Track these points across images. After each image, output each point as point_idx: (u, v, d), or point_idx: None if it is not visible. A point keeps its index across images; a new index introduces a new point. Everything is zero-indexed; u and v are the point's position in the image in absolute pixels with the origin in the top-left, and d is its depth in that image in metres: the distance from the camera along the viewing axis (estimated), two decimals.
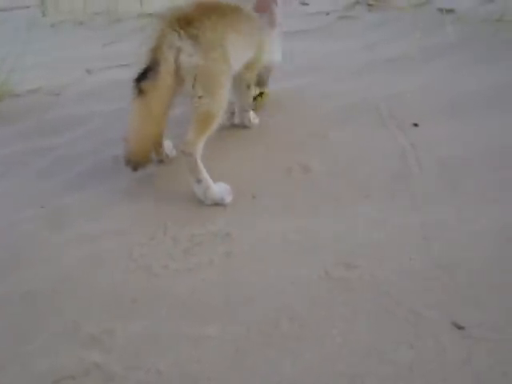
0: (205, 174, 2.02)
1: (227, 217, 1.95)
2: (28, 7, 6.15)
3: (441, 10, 4.04)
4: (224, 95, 2.05)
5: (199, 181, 2.02)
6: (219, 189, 2.04)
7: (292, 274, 1.64)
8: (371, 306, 1.49)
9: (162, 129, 2.18)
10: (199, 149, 2.01)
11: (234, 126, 2.60)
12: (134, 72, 1.96)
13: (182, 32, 1.96)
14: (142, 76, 1.93)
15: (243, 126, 2.60)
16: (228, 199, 2.03)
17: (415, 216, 1.86)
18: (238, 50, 2.14)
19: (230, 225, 1.90)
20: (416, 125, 2.48)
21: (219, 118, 2.06)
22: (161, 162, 2.33)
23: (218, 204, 2.02)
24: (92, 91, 3.30)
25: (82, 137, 2.69)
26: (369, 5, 4.56)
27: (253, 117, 2.60)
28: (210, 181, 2.02)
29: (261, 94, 2.86)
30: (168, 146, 2.35)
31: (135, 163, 2.10)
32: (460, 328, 1.40)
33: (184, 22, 1.98)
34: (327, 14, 4.61)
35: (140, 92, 1.94)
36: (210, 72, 2.00)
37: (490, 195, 1.92)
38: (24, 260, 1.84)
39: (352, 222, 1.86)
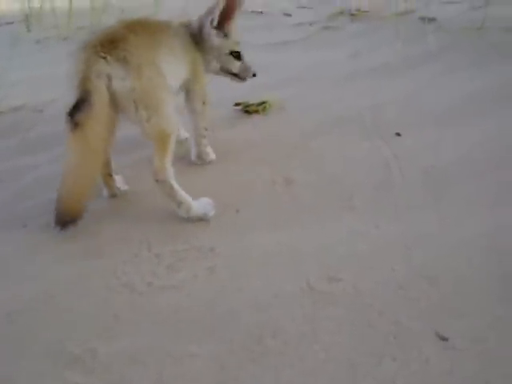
0: (183, 196, 1.99)
1: (211, 231, 1.95)
2: (12, 23, 6.13)
3: (423, 18, 4.08)
4: (171, 110, 1.99)
5: (179, 204, 1.99)
6: (200, 204, 2.02)
7: (275, 289, 1.63)
8: (354, 319, 1.49)
9: (105, 162, 2.11)
10: (169, 171, 1.97)
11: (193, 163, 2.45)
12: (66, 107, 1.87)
13: (108, 57, 1.86)
14: (75, 109, 1.83)
15: (201, 163, 2.43)
16: (211, 213, 2.02)
17: (398, 226, 1.86)
18: (171, 65, 2.07)
19: (214, 239, 1.90)
20: (399, 134, 2.49)
21: (175, 134, 2.01)
22: (114, 196, 2.24)
23: (202, 219, 2.00)
24: None
25: (61, 156, 2.66)
26: (352, 15, 4.59)
27: (210, 151, 2.44)
28: (189, 200, 2.00)
29: (263, 102, 2.88)
30: (119, 179, 2.27)
31: (67, 216, 1.96)
32: (443, 339, 1.40)
33: (109, 46, 1.89)
34: (310, 24, 4.64)
35: (75, 126, 1.83)
36: (149, 91, 1.91)
37: (473, 203, 1.94)
38: (6, 280, 1.82)
39: (335, 233, 1.86)
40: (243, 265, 1.76)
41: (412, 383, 1.29)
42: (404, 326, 1.45)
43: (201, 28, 2.31)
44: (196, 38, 2.30)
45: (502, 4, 4.09)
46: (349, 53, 3.70)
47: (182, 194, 1.99)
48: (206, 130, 2.37)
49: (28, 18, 6.02)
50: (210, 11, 2.28)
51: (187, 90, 2.29)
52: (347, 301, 1.55)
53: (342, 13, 4.61)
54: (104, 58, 1.86)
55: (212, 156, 2.44)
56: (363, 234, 1.84)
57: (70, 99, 1.88)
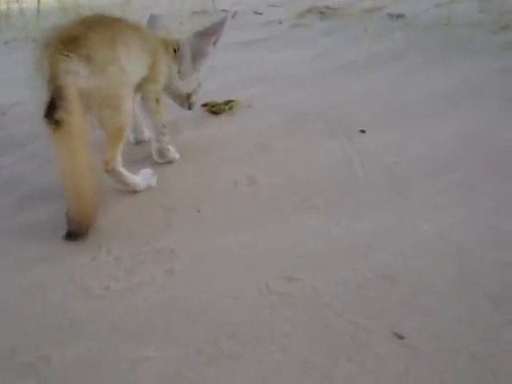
0: (130, 177, 2.14)
1: (172, 233, 1.93)
2: None
3: (391, 15, 4.09)
4: (129, 107, 2.04)
5: (128, 185, 2.15)
6: (143, 178, 2.21)
7: (234, 290, 1.61)
8: (312, 320, 1.47)
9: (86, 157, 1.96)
10: (119, 161, 2.07)
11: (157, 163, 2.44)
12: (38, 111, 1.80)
13: (72, 55, 1.81)
14: (51, 108, 1.76)
15: (164, 161, 2.42)
16: (154, 182, 2.22)
17: (359, 225, 1.85)
18: (131, 61, 2.05)
19: (174, 241, 1.88)
20: (363, 131, 2.49)
21: (128, 128, 2.09)
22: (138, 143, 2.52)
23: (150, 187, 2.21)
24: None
25: (26, 157, 2.63)
26: (321, 13, 4.59)
27: (172, 150, 2.43)
28: (135, 179, 2.17)
29: (230, 101, 2.90)
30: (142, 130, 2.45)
31: (84, 225, 1.95)
32: (400, 338, 1.39)
33: (71, 44, 1.84)
34: (280, 22, 4.63)
35: (57, 125, 1.77)
36: (111, 89, 1.92)
37: (434, 201, 1.94)
38: None
39: (296, 233, 1.85)
40: (203, 267, 1.74)
41: (366, 383, 1.28)
42: (361, 325, 1.44)
43: (200, 44, 2.42)
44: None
45: (467, 0, 4.11)
46: (316, 51, 3.70)
47: (128, 175, 2.13)
48: (165, 127, 2.35)
49: None
50: (216, 31, 2.41)
51: (143, 88, 2.28)
52: (305, 301, 1.54)
53: (310, 10, 4.60)
54: (68, 56, 1.81)
55: (174, 155, 2.43)
56: (324, 234, 1.83)
57: (34, 100, 1.83)
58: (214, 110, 2.90)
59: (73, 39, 1.86)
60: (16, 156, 2.69)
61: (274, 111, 2.82)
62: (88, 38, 1.88)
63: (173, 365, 1.39)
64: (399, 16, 4.06)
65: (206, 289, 1.64)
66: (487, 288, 1.53)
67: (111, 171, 2.06)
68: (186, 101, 2.50)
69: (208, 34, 2.41)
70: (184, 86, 2.46)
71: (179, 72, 2.42)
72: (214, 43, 2.42)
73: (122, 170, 2.09)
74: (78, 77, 1.83)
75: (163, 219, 2.00)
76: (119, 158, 2.06)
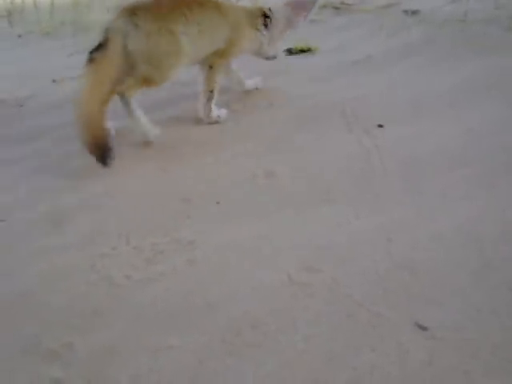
0: (135, 111, 2.49)
1: (191, 224, 1.93)
2: None
3: (406, 11, 4.07)
4: (170, 75, 2.51)
5: (130, 115, 2.49)
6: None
7: (255, 281, 1.62)
8: (333, 310, 1.48)
9: (107, 99, 2.42)
10: (133, 96, 2.46)
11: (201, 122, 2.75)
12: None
13: (129, 20, 2.37)
14: (95, 50, 2.33)
15: (208, 122, 2.73)
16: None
17: (378, 217, 1.85)
18: (193, 38, 2.49)
19: (194, 232, 1.88)
20: (381, 126, 2.49)
21: (157, 86, 2.53)
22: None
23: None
24: (57, 102, 3.25)
25: (43, 149, 2.64)
26: (336, 8, 4.58)
27: (216, 112, 2.74)
28: (138, 118, 2.50)
29: (309, 49, 3.43)
30: (112, 128, 2.54)
31: (99, 146, 2.30)
32: (423, 329, 1.39)
33: (136, 12, 2.38)
34: None
35: (91, 61, 2.31)
36: (151, 53, 2.40)
37: (452, 194, 1.93)
38: None
39: (315, 225, 1.85)
40: (222, 257, 1.75)
41: (390, 373, 1.28)
42: (383, 316, 1.44)
43: (290, 14, 2.79)
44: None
45: None
46: (332, 46, 3.69)
47: (135, 109, 2.49)
48: (213, 93, 2.69)
49: (11, 13, 5.97)
50: (307, 7, 2.77)
51: (209, 58, 2.66)
52: (326, 292, 1.54)
53: (325, 6, 4.59)
54: (127, 20, 2.37)
55: (219, 115, 2.74)
56: (343, 226, 1.83)
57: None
58: (300, 49, 3.46)
59: (136, 10, 2.40)
60: (32, 148, 2.70)
61: (292, 105, 2.82)
62: (149, 11, 2.41)
63: (196, 354, 1.40)
64: (414, 12, 4.05)
65: (227, 279, 1.65)
66: (507, 279, 1.53)
67: (121, 94, 2.45)
68: (270, 58, 2.94)
69: (299, 8, 2.77)
70: (271, 50, 2.88)
71: (267, 38, 2.81)
72: (304, 18, 2.78)
73: (132, 102, 2.47)
74: (127, 37, 2.36)
75: (182, 211, 2.01)
76: (134, 95, 2.46)
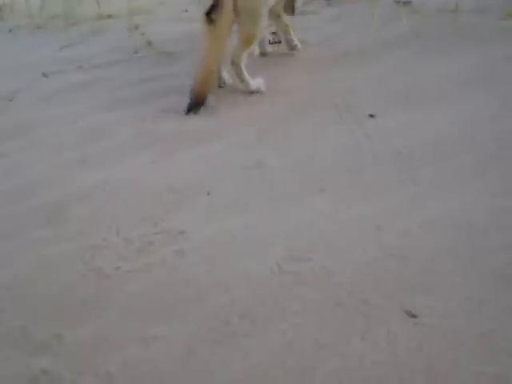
0: (246, 76, 2.83)
1: (181, 214, 1.93)
2: None
3: (398, 2, 4.06)
4: (262, 22, 2.83)
5: (242, 80, 2.84)
6: (256, 82, 2.86)
7: (244, 270, 1.62)
8: (323, 299, 1.47)
9: (227, 50, 2.84)
10: (243, 59, 2.80)
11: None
12: (203, 8, 2.64)
13: None
14: (210, 10, 2.59)
15: (291, 50, 3.39)
16: (263, 88, 2.88)
17: (369, 207, 1.85)
18: None
19: (184, 222, 1.88)
20: (372, 116, 2.48)
21: (257, 38, 2.91)
22: (220, 87, 2.98)
23: (258, 92, 2.86)
24: (46, 95, 3.23)
25: (31, 143, 2.63)
26: None
27: (296, 40, 3.38)
28: (249, 79, 2.84)
29: None
30: (226, 74, 2.99)
31: (199, 99, 2.70)
32: (412, 316, 1.39)
33: None
34: None
35: (210, 21, 2.61)
36: (253, 6, 2.75)
37: (443, 183, 1.93)
38: None
39: (306, 215, 1.85)
40: (212, 248, 1.74)
41: (380, 361, 1.28)
42: (373, 304, 1.44)
43: None
44: None
45: None
46: (323, 37, 3.67)
47: (246, 74, 2.83)
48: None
49: (1, 7, 5.93)
50: None
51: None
52: (316, 281, 1.54)
53: None
54: None
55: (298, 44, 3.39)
56: (334, 216, 1.83)
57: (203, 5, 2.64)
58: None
59: None
60: (22, 142, 2.68)
61: (282, 96, 2.81)
62: None
63: (185, 343, 1.40)
64: (406, 3, 4.03)
65: (216, 269, 1.65)
66: (497, 268, 1.53)
67: (235, 64, 2.80)
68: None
69: None
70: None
71: None
72: None
73: (243, 67, 2.81)
74: None
75: (172, 201, 2.00)
76: (244, 59, 2.80)
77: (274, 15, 3.19)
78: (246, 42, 2.81)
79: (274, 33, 3.56)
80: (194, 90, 2.71)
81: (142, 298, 1.56)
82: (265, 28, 2.97)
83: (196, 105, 2.71)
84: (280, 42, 3.48)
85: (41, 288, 1.65)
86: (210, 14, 2.61)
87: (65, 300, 1.59)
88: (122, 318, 1.50)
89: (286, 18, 3.30)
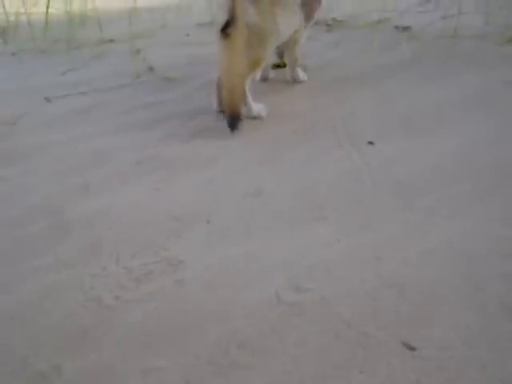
0: (250, 100, 2.87)
1: (181, 243, 1.93)
2: None
3: (397, 27, 4.10)
4: (269, 48, 2.90)
5: (245, 104, 2.84)
6: (257, 107, 2.91)
7: (243, 300, 1.62)
8: (322, 330, 1.48)
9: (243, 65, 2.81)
10: (248, 82, 2.84)
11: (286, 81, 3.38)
12: (218, 24, 2.64)
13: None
14: (226, 26, 2.61)
15: (293, 81, 3.38)
16: (264, 114, 2.93)
17: (368, 235, 1.86)
18: (285, 22, 2.87)
19: (184, 251, 1.88)
20: (371, 143, 2.49)
21: (264, 63, 2.95)
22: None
23: (257, 118, 2.90)
24: (49, 120, 3.25)
25: (33, 168, 2.64)
26: (327, 25, 4.60)
27: (301, 74, 3.40)
28: (252, 103, 2.89)
29: (285, 65, 3.50)
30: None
31: (234, 114, 2.72)
32: (411, 349, 1.39)
33: None
34: None
35: (226, 36, 2.62)
36: (262, 30, 2.76)
37: (443, 211, 1.94)
38: None
39: (304, 244, 1.85)
40: (212, 277, 1.74)
41: None
42: (372, 336, 1.44)
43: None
44: None
45: (473, 13, 4.13)
46: (322, 62, 3.71)
47: (250, 98, 2.88)
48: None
49: (5, 31, 5.98)
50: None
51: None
52: (315, 311, 1.54)
53: (316, 23, 4.61)
54: None
55: (304, 77, 3.43)
56: (333, 244, 1.84)
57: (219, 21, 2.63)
58: (276, 65, 3.57)
59: None
60: (24, 167, 2.69)
61: (281, 122, 2.83)
62: None
63: (184, 375, 1.40)
64: (405, 28, 4.08)
65: (215, 299, 1.65)
66: (497, 297, 1.54)
67: None
68: None
69: None
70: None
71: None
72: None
73: (248, 91, 2.85)
74: (246, 13, 2.66)
75: (172, 230, 2.01)
76: (248, 81, 2.84)
77: (292, 41, 3.19)
78: (252, 65, 2.82)
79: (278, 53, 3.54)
80: (225, 107, 2.75)
81: (142, 329, 1.56)
82: (269, 56, 2.98)
83: (234, 120, 2.74)
84: (284, 66, 3.51)
85: (42, 317, 1.65)
86: (226, 30, 2.64)
87: (65, 330, 1.59)
88: (121, 349, 1.50)
89: (299, 52, 3.32)
